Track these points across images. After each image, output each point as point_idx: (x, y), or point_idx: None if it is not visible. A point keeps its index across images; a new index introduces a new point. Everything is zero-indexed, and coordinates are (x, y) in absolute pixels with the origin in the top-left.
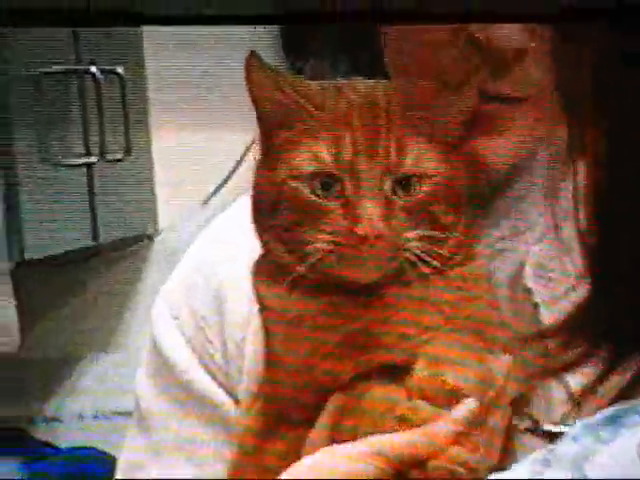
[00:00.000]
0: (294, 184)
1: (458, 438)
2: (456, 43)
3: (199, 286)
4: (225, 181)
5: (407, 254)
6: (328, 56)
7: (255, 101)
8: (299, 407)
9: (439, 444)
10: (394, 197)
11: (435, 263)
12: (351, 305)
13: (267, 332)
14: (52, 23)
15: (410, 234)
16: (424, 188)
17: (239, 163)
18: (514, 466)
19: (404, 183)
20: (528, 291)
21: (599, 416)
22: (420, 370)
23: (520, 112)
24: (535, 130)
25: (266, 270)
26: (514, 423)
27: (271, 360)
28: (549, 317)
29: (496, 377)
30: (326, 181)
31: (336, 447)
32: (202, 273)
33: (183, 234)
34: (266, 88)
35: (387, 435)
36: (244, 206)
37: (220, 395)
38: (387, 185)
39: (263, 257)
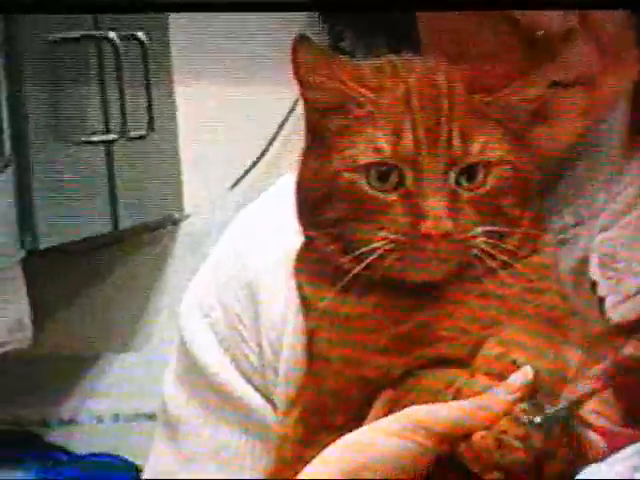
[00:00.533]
0: (349, 176)
1: (512, 408)
2: (496, 26)
3: (231, 281)
4: (258, 160)
5: (474, 250)
6: (366, 29)
7: (303, 86)
8: (344, 403)
9: (492, 415)
10: (459, 189)
11: (502, 257)
12: (409, 301)
13: (311, 330)
14: (70, 10)
15: (477, 229)
16: (491, 179)
17: (272, 141)
18: (607, 460)
19: (469, 173)
20: (593, 285)
21: None
22: (489, 350)
23: (570, 96)
24: (589, 114)
25: (311, 267)
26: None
27: (315, 354)
28: (617, 315)
29: (568, 368)
30: (384, 172)
31: (376, 423)
32: (234, 266)
33: (212, 219)
34: (317, 73)
35: (432, 406)
36: (282, 191)
37: (256, 399)
38: (451, 176)
39: (306, 253)
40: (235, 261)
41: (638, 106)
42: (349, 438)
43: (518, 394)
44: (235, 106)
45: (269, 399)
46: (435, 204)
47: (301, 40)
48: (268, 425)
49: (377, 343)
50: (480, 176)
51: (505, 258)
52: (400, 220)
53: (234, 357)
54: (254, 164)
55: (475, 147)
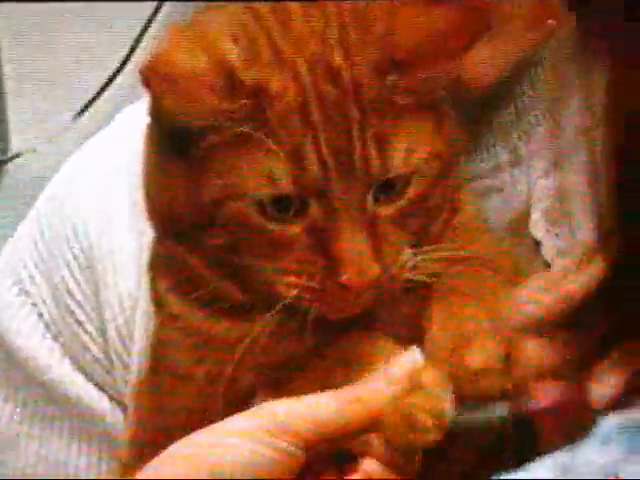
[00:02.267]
0: (235, 205)
1: (397, 398)
2: None
3: (59, 245)
4: (110, 81)
5: (403, 277)
6: None
7: (161, 112)
8: (208, 420)
9: (370, 409)
10: (377, 208)
11: (428, 270)
12: (303, 329)
13: (165, 345)
14: None
15: (405, 253)
16: (414, 185)
17: (129, 55)
18: (529, 468)
19: (389, 185)
20: (538, 245)
21: (637, 416)
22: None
23: (515, 4)
24: (536, 27)
25: (176, 277)
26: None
27: (165, 371)
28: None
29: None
30: (284, 203)
31: (230, 420)
32: (64, 225)
33: (46, 162)
34: (177, 101)
35: (293, 402)
36: (127, 127)
37: (101, 401)
38: (369, 199)
39: (170, 260)
40: (65, 219)
41: (587, 24)
42: (195, 438)
43: (403, 384)
44: (77, 12)
45: (119, 401)
46: (354, 244)
47: (150, 67)
48: (118, 435)
49: (260, 362)
50: (401, 184)
51: (430, 254)
52: (311, 263)
53: (68, 347)
54: (105, 86)
55: (397, 156)
